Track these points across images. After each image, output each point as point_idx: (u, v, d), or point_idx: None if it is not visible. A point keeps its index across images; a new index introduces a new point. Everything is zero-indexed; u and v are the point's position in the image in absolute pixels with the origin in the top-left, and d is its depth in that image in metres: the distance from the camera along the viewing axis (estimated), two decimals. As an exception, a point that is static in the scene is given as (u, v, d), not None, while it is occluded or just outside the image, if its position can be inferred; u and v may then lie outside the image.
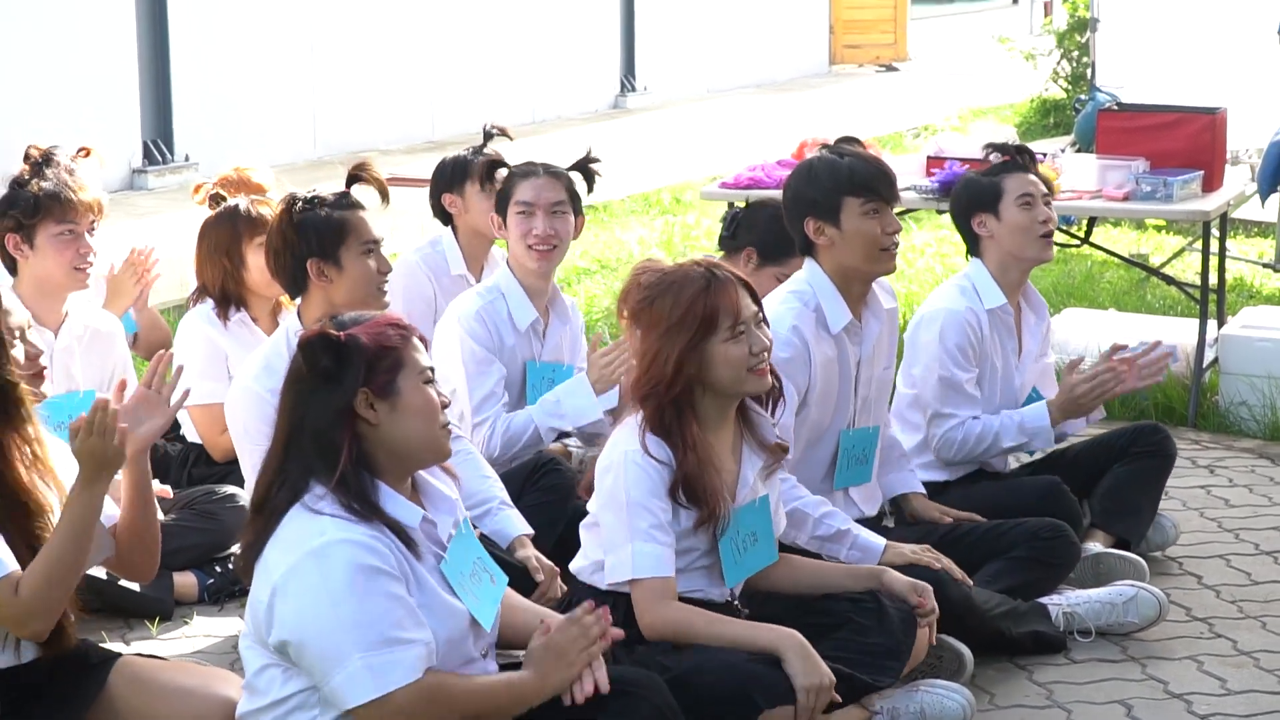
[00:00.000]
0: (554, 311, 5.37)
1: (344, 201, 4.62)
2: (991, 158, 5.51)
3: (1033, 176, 5.38)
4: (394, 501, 3.48)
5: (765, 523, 4.13)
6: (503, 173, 5.42)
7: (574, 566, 4.13)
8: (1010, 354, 5.38)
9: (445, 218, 6.20)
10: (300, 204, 4.58)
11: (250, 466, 4.52)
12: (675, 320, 3.94)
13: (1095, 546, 5.13)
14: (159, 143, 12.82)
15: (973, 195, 5.40)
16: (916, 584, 4.21)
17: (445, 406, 3.56)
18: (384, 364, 3.48)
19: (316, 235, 4.55)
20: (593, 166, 5.44)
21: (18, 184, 5.10)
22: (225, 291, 5.51)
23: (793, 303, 4.75)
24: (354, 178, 4.69)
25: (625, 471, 3.93)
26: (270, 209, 5.43)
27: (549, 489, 4.94)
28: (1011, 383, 5.40)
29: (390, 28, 14.90)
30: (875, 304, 4.88)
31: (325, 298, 4.55)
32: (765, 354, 4.03)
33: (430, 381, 3.54)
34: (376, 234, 4.63)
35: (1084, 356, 5.42)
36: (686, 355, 3.93)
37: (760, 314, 4.06)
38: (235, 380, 4.68)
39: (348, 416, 3.45)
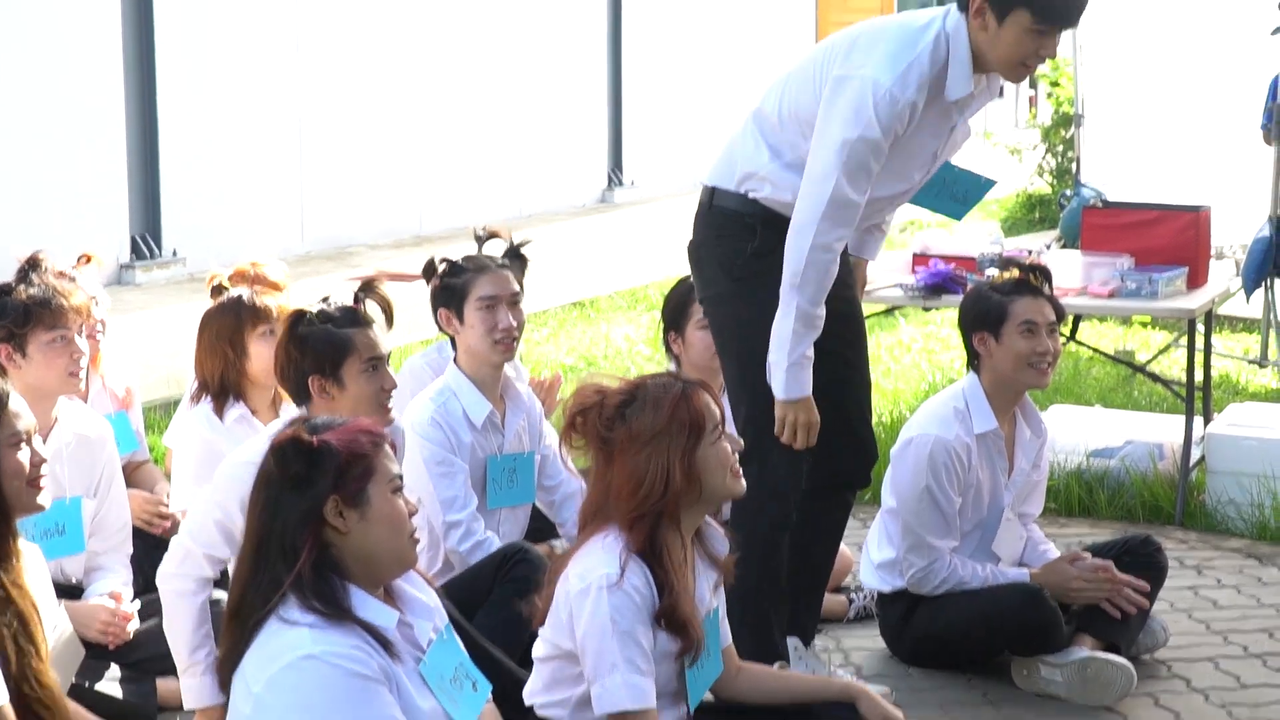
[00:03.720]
0: (509, 400, 5.37)
1: (349, 318, 4.64)
2: (1005, 273, 5.49)
3: (1043, 302, 5.37)
4: (366, 604, 3.46)
5: (716, 636, 4.09)
6: (442, 266, 5.42)
7: (530, 698, 4.02)
8: (999, 473, 5.37)
9: None
10: (305, 319, 4.61)
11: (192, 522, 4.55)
12: (661, 429, 3.86)
13: (1083, 650, 5.11)
14: (147, 237, 12.85)
15: (979, 311, 5.37)
16: (889, 717, 4.12)
17: (413, 514, 3.56)
18: (355, 471, 3.47)
19: (318, 353, 4.59)
20: (523, 251, 5.58)
21: (3, 293, 5.07)
22: (225, 383, 5.49)
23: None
24: (360, 296, 4.73)
25: (609, 598, 3.80)
26: (275, 299, 5.49)
27: (520, 580, 4.88)
28: (998, 501, 5.38)
29: (377, 123, 14.96)
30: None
31: (329, 412, 4.54)
32: (739, 454, 4.01)
33: (399, 490, 3.54)
34: (381, 349, 4.65)
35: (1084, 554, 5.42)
36: (684, 463, 3.85)
37: (723, 415, 4.04)
38: (234, 457, 4.58)
39: (316, 522, 3.44)
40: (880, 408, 7.85)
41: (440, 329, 5.41)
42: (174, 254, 12.92)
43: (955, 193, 5.15)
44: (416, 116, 15.33)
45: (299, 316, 4.62)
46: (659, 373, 4.06)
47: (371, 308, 4.77)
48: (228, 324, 5.49)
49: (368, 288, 4.74)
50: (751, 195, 4.87)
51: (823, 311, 4.72)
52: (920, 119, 4.68)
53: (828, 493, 5.03)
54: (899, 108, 4.61)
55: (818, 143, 4.68)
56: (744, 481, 4.01)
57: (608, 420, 3.90)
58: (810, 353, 4.72)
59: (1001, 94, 5.12)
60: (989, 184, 5.23)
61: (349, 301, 4.76)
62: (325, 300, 4.71)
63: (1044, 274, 5.46)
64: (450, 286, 5.31)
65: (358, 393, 4.59)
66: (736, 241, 4.90)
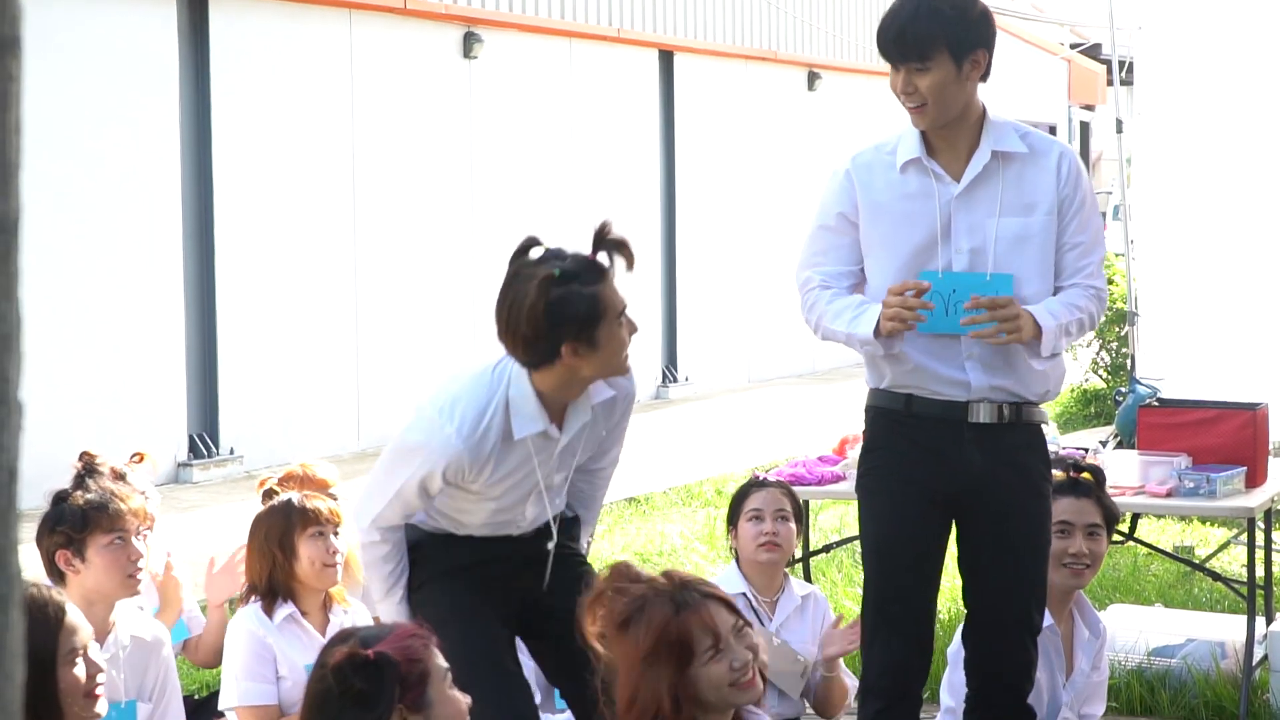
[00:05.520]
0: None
1: (599, 271, 4.42)
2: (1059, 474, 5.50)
3: (1084, 503, 5.35)
4: None
5: None
6: None
7: None
8: (1057, 672, 5.32)
9: None
10: (555, 281, 4.35)
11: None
12: (648, 652, 3.73)
13: None
14: (204, 436, 12.94)
15: None
16: None
17: (469, 707, 3.55)
18: (414, 676, 3.46)
19: (573, 317, 4.34)
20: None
21: (60, 499, 5.12)
22: (273, 583, 5.51)
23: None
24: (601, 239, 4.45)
25: None
26: (325, 503, 5.53)
27: None
28: (1056, 700, 5.33)
29: (433, 322, 15.10)
30: (985, 145, 4.79)
31: (572, 372, 4.42)
32: (748, 664, 3.85)
33: (452, 683, 3.53)
34: (622, 301, 4.44)
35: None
36: (670, 689, 3.71)
37: (739, 622, 3.88)
38: None
39: None
40: (938, 605, 7.80)
41: None
42: (231, 452, 13.00)
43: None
44: (471, 316, 15.47)
45: (549, 279, 4.35)
46: (671, 578, 3.92)
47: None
48: (277, 526, 5.51)
49: (604, 234, 4.43)
50: (870, 386, 4.91)
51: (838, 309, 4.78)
52: None
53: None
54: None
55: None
56: (758, 689, 3.84)
57: (608, 622, 3.82)
58: (856, 313, 4.73)
59: None
60: (1003, 280, 4.77)
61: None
62: (557, 254, 4.45)
63: (1097, 474, 5.44)
64: None
65: (609, 350, 4.40)
66: (866, 440, 4.96)
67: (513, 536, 4.70)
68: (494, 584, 4.66)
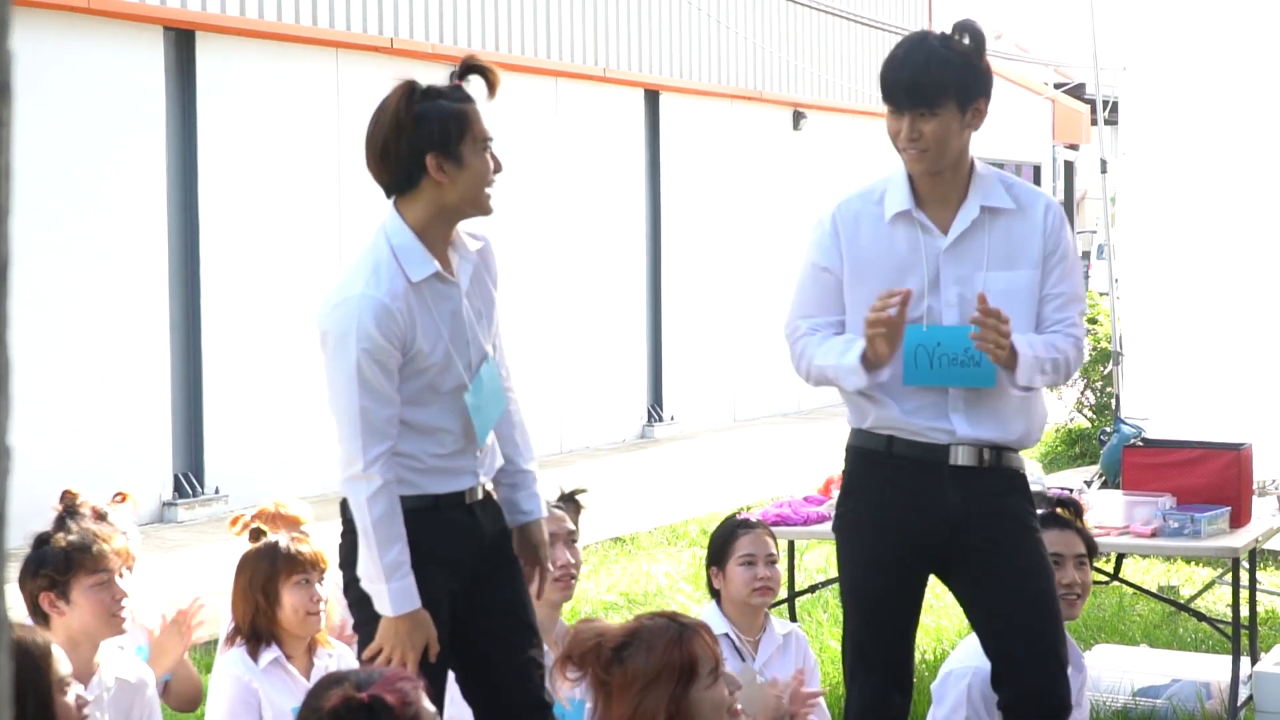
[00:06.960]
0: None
1: (462, 92, 4.40)
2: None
3: (1069, 535, 5.36)
4: None
5: None
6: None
7: None
8: (1038, 708, 5.31)
9: None
10: (417, 93, 4.35)
11: None
12: (654, 674, 3.78)
13: None
14: (189, 476, 12.92)
15: None
16: None
17: None
18: (407, 717, 3.45)
19: (434, 130, 4.33)
20: (576, 497, 5.74)
21: (42, 541, 5.09)
22: (256, 628, 5.47)
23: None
24: (468, 69, 4.45)
25: None
26: (311, 547, 5.48)
27: None
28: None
29: (420, 360, 15.08)
30: (973, 199, 4.76)
31: (438, 197, 4.38)
32: (737, 691, 3.96)
33: None
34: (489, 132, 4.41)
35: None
36: (675, 707, 3.77)
37: (721, 655, 3.95)
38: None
39: None
40: (922, 644, 7.80)
41: None
42: (216, 492, 12.98)
43: (955, 356, 4.71)
44: (458, 354, 15.48)
45: (410, 88, 4.36)
46: (658, 613, 4.03)
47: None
48: (262, 570, 5.43)
49: (470, 61, 4.40)
50: (851, 425, 4.90)
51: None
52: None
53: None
54: None
55: None
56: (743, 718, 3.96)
57: (605, 663, 3.85)
58: (845, 346, 4.71)
59: None
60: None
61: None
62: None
63: (1074, 508, 5.47)
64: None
65: (473, 173, 4.35)
66: (844, 482, 4.94)
67: (466, 519, 4.62)
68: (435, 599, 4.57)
